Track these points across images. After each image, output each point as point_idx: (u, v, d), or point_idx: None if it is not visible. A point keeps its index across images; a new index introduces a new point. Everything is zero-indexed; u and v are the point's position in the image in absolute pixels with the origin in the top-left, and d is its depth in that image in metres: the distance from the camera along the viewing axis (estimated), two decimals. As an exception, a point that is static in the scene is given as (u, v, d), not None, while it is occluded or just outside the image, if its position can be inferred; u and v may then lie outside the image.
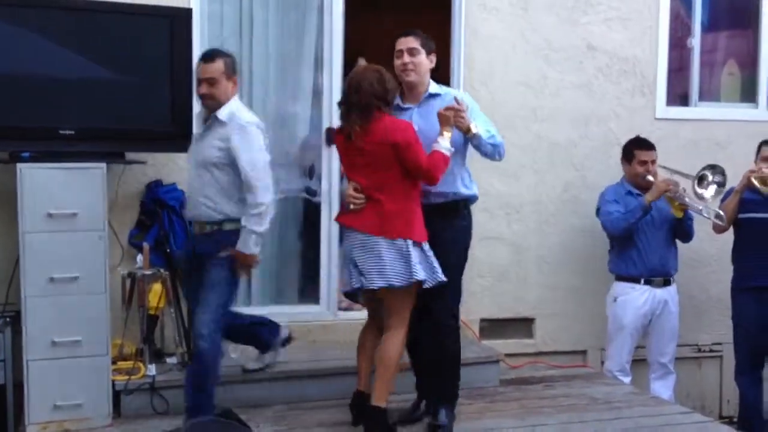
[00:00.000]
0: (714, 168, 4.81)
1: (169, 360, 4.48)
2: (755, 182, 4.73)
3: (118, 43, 4.22)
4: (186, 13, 4.38)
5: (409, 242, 3.73)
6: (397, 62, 3.88)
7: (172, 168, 4.67)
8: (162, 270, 4.41)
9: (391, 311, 3.86)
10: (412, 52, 3.86)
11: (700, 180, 4.80)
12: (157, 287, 4.36)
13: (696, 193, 4.78)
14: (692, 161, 5.46)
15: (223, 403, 4.12)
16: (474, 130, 3.81)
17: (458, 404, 4.34)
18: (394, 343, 3.83)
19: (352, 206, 3.84)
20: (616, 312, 5.01)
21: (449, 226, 3.92)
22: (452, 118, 3.77)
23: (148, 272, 4.38)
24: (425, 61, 3.89)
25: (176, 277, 4.45)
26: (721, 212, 4.79)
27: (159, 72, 4.27)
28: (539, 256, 5.40)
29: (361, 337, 4.09)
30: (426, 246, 3.79)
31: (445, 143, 3.76)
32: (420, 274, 3.71)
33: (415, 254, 3.73)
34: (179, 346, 4.48)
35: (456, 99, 3.86)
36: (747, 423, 4.92)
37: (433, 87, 3.96)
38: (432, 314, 3.90)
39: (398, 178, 3.75)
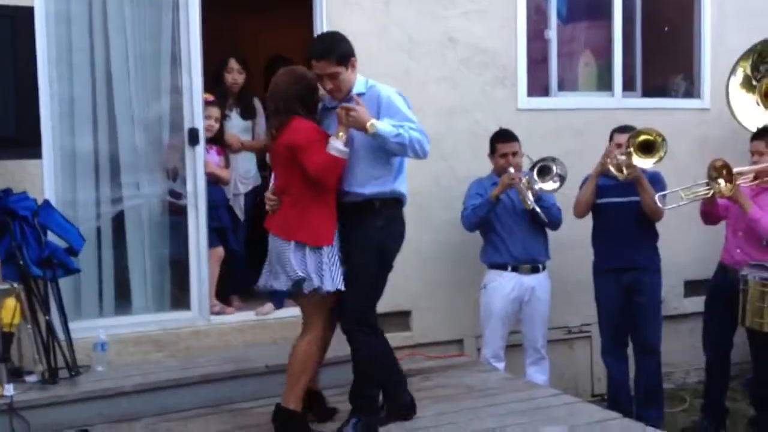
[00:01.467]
0: (554, 160, 4.91)
1: (28, 378, 4.24)
2: (611, 168, 4.89)
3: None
4: (27, 13, 4.16)
5: (296, 245, 3.73)
6: (322, 86, 3.83)
7: (23, 175, 4.42)
8: (15, 284, 4.17)
9: (302, 313, 3.98)
10: (330, 76, 3.78)
11: (543, 171, 4.89)
12: (10, 302, 4.12)
13: (533, 180, 4.85)
14: (554, 149, 5.62)
15: (89, 419, 3.98)
16: (371, 129, 3.67)
17: (338, 402, 4.33)
18: (300, 345, 3.89)
19: (267, 208, 3.91)
20: (486, 299, 5.12)
21: (361, 225, 3.84)
22: (344, 117, 3.69)
23: (0, 287, 4.13)
24: (346, 77, 3.81)
25: (31, 291, 4.22)
26: (542, 216, 4.91)
27: (2, 75, 4.04)
28: (414, 249, 5.42)
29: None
30: (325, 250, 3.75)
31: (336, 144, 3.69)
32: (315, 280, 3.71)
33: (311, 258, 3.72)
34: (39, 363, 4.25)
35: (354, 96, 3.79)
36: (615, 399, 5.11)
37: (359, 85, 3.88)
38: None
39: (300, 180, 3.74)
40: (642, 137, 4.77)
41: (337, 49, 3.78)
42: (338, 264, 3.79)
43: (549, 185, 4.91)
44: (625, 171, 4.84)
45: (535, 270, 5.09)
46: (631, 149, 4.75)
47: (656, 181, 4.96)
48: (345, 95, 3.84)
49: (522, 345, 5.26)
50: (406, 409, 4.15)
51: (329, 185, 3.75)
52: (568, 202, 5.13)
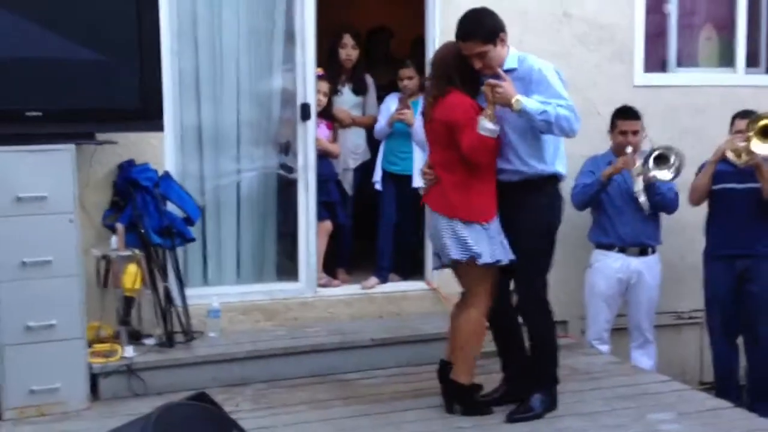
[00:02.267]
0: (676, 153, 4.73)
1: (146, 341, 4.45)
2: (729, 155, 4.71)
3: (85, 21, 4.12)
4: (154, -11, 4.29)
5: (459, 222, 3.73)
6: (473, 65, 3.75)
7: (145, 147, 4.60)
8: (137, 251, 4.36)
9: (464, 288, 3.95)
10: (479, 55, 3.70)
11: (661, 159, 4.72)
12: (132, 268, 4.32)
13: (646, 168, 4.71)
14: (672, 128, 5.48)
15: (202, 383, 4.14)
16: (517, 105, 3.59)
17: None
18: (466, 320, 3.87)
19: (424, 182, 3.95)
20: (591, 279, 5.03)
21: (526, 205, 3.81)
22: (490, 93, 3.63)
23: (122, 253, 4.33)
24: (495, 54, 3.72)
25: (151, 258, 4.42)
26: (645, 206, 4.78)
27: (128, 49, 4.19)
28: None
29: (452, 309, 4.08)
30: (488, 225, 3.74)
31: (484, 122, 3.61)
32: (472, 250, 3.69)
33: (466, 233, 3.71)
34: (157, 327, 4.45)
35: (500, 71, 3.69)
36: (723, 389, 4.94)
37: (511, 60, 3.80)
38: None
39: (458, 156, 3.72)
40: (763, 122, 4.56)
41: (482, 28, 3.70)
42: (497, 237, 3.76)
43: (663, 174, 4.74)
44: (743, 157, 4.64)
45: (643, 252, 4.95)
46: (751, 134, 4.54)
47: None
48: (495, 71, 3.75)
49: (627, 329, 5.14)
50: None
51: (481, 163, 3.71)
52: (684, 185, 4.95)
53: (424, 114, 3.94)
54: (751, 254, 4.79)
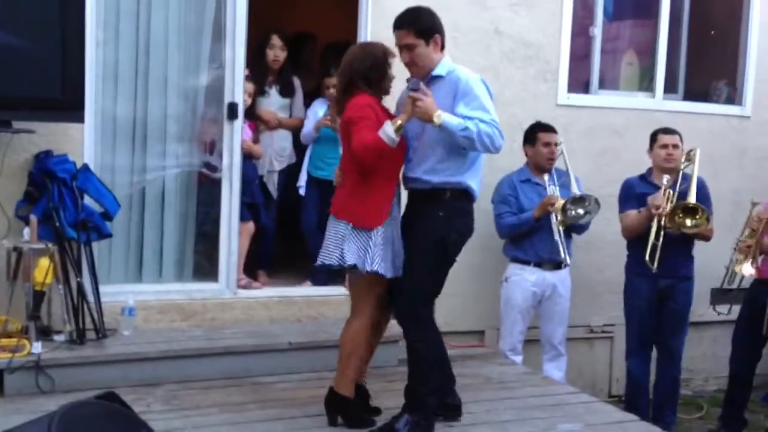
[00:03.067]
0: (596, 202, 4.91)
1: (56, 338, 4.33)
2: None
3: (7, 5, 4.00)
4: (78, -24, 4.19)
5: (349, 226, 3.65)
6: (401, 59, 3.72)
7: (64, 138, 4.49)
8: (50, 244, 4.24)
9: (351, 297, 3.92)
10: (408, 47, 3.66)
11: (580, 199, 4.90)
12: (44, 262, 4.20)
13: (569, 208, 4.88)
14: (592, 147, 5.65)
15: (113, 381, 4.05)
16: (437, 120, 3.52)
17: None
18: (347, 330, 3.82)
19: (334, 182, 3.90)
20: (507, 292, 5.13)
21: (424, 214, 3.72)
22: (410, 106, 3.57)
23: (35, 246, 4.21)
24: (425, 52, 3.66)
25: (65, 252, 4.30)
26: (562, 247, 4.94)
27: (50, 37, 4.08)
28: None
29: None
30: (374, 233, 3.65)
31: (388, 129, 3.53)
32: (350, 259, 3.63)
33: (349, 238, 3.64)
34: (67, 323, 4.33)
35: (422, 85, 3.64)
36: (634, 401, 5.11)
37: (440, 68, 3.71)
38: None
39: (352, 157, 3.67)
40: (680, 208, 4.81)
41: (418, 21, 3.66)
42: (380, 247, 3.65)
43: (578, 212, 4.93)
44: (666, 225, 4.85)
45: (557, 267, 5.08)
46: (678, 219, 4.79)
47: (702, 188, 4.94)
48: (425, 74, 3.71)
49: (539, 340, 5.26)
50: (452, 410, 3.99)
51: (367, 166, 3.61)
52: (602, 203, 5.09)
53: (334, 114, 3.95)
54: (672, 275, 4.96)
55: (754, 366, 5.07)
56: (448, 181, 3.69)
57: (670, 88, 6.13)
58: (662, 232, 4.83)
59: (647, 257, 4.85)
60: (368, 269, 3.65)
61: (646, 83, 6.10)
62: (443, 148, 3.68)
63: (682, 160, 5.06)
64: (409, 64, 3.71)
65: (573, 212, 4.90)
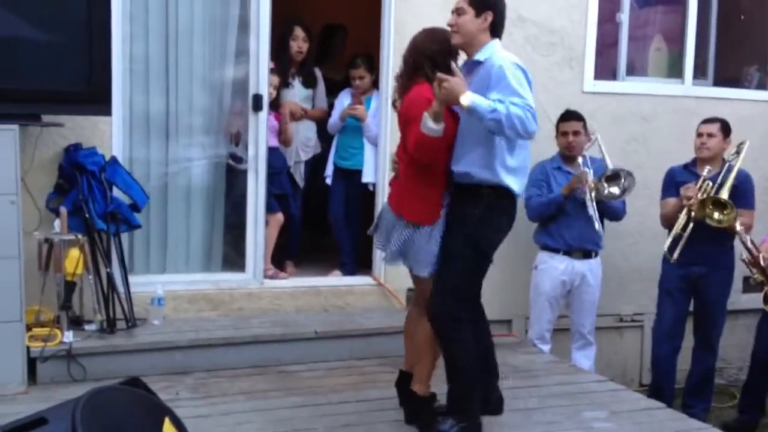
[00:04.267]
0: (630, 175, 4.84)
1: (87, 327, 4.42)
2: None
3: (35, 0, 4.07)
4: (104, -31, 4.25)
5: (403, 220, 3.54)
6: (448, 20, 3.57)
7: (93, 131, 4.56)
8: (80, 235, 4.32)
9: (417, 291, 3.79)
10: (458, 11, 3.49)
11: (613, 176, 4.85)
12: (74, 253, 4.28)
13: (601, 185, 4.83)
14: (619, 134, 5.59)
15: (143, 370, 4.11)
16: (465, 102, 3.29)
17: (379, 372, 4.40)
18: (422, 328, 3.68)
19: (390, 168, 3.83)
20: (536, 280, 5.12)
21: (459, 210, 3.55)
22: (436, 89, 3.34)
23: (65, 237, 4.29)
24: (471, 22, 3.46)
25: (95, 243, 4.38)
26: (597, 222, 4.87)
27: (77, 31, 4.12)
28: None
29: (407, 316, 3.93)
30: (423, 229, 3.53)
31: (425, 120, 3.35)
32: (394, 253, 3.58)
33: (404, 234, 3.54)
34: (98, 313, 4.41)
35: (453, 66, 3.44)
36: (659, 390, 5.05)
37: (482, 52, 3.49)
38: None
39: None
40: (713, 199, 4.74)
41: None
42: (434, 247, 3.54)
43: (614, 191, 4.86)
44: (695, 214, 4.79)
45: (587, 256, 5.05)
46: (707, 211, 4.72)
47: (745, 182, 4.89)
48: (466, 48, 3.54)
49: (569, 329, 5.24)
50: (494, 404, 3.86)
51: (424, 162, 3.47)
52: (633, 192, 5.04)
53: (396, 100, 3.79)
54: (707, 263, 4.92)
55: None
56: (488, 179, 3.47)
57: (699, 74, 6.05)
58: (691, 224, 4.78)
59: (667, 246, 4.82)
60: (422, 272, 3.58)
61: (675, 69, 6.02)
62: (478, 138, 3.47)
63: (732, 151, 4.99)
64: (452, 28, 3.52)
65: (607, 191, 4.83)
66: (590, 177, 4.85)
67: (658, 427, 3.95)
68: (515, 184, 3.52)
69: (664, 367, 5.12)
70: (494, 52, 3.49)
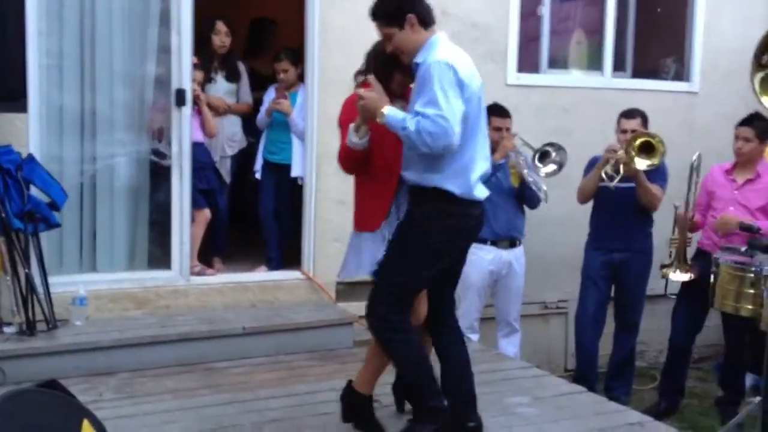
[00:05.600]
0: (557, 147, 4.97)
1: (6, 330, 4.32)
2: (608, 170, 4.93)
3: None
4: (17, -36, 4.15)
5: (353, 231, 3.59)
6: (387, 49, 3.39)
7: (9, 129, 4.44)
8: (-3, 236, 4.22)
9: None
10: (386, 37, 3.32)
11: (543, 155, 4.97)
12: (-9, 254, 4.18)
13: (535, 167, 4.95)
14: (542, 126, 5.69)
15: (65, 372, 4.04)
16: (380, 119, 3.20)
17: (308, 366, 4.41)
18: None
19: None
20: (465, 271, 5.15)
21: (406, 215, 3.45)
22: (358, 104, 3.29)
23: (-19, 238, 4.18)
24: (403, 37, 3.28)
25: (12, 243, 4.27)
26: (544, 190, 4.95)
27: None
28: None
29: None
30: (364, 235, 3.53)
31: (349, 134, 3.37)
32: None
33: (352, 243, 3.59)
34: (17, 314, 4.31)
35: (370, 78, 3.38)
36: (583, 374, 5.19)
37: (422, 52, 3.27)
38: None
39: None
40: (642, 139, 4.85)
41: (383, 6, 3.31)
42: (378, 251, 3.49)
43: (549, 167, 4.98)
44: (622, 169, 4.90)
45: (513, 245, 5.15)
46: (633, 152, 4.82)
47: (658, 170, 5.00)
48: (414, 55, 3.30)
49: (495, 318, 5.33)
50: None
51: (347, 172, 3.53)
52: (554, 181, 5.16)
53: None
54: (627, 248, 5.08)
55: (692, 337, 5.17)
56: (428, 183, 3.32)
57: (618, 66, 6.21)
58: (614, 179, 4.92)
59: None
60: (362, 273, 3.57)
61: (595, 62, 6.16)
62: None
63: None
64: (397, 54, 3.34)
65: (544, 171, 4.94)
66: (521, 159, 4.95)
67: (580, 411, 4.05)
68: (455, 186, 3.32)
69: (587, 352, 5.26)
70: (431, 49, 3.27)
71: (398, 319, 3.43)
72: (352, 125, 3.37)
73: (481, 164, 3.42)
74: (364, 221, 3.56)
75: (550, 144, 4.98)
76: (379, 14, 3.33)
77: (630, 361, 5.31)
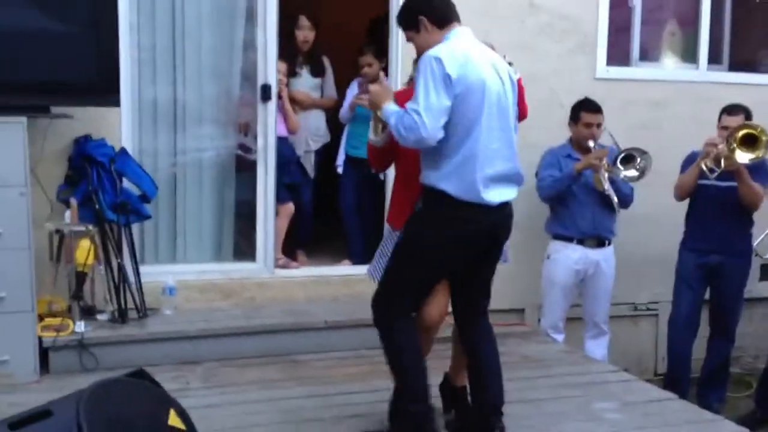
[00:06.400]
0: (642, 152, 4.82)
1: (99, 317, 4.45)
2: (708, 162, 4.72)
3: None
4: (111, -40, 4.26)
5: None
6: None
7: (102, 123, 4.57)
8: (90, 226, 4.34)
9: None
10: (410, 40, 3.35)
11: (628, 159, 4.81)
12: (84, 243, 4.30)
13: (617, 168, 4.80)
14: (631, 121, 5.52)
15: (154, 359, 4.14)
16: (380, 114, 3.26)
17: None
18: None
19: None
20: (549, 269, 5.07)
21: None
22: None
23: (76, 228, 4.31)
24: (422, 40, 3.25)
25: (105, 234, 4.40)
26: (614, 199, 4.80)
27: (84, 22, 4.12)
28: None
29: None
30: (393, 234, 3.52)
31: (369, 130, 3.47)
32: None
33: (384, 240, 3.61)
34: (109, 303, 4.44)
35: (381, 75, 3.54)
36: (675, 379, 5.02)
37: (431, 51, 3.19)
38: None
39: None
40: (745, 131, 4.62)
41: (400, 15, 3.36)
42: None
43: (631, 173, 4.84)
44: (723, 163, 4.69)
45: (601, 244, 5.00)
46: (734, 144, 4.61)
47: (760, 167, 4.78)
48: None
49: (582, 318, 5.20)
50: None
51: (376, 169, 3.68)
52: (645, 179, 4.99)
53: None
54: (725, 250, 4.87)
55: None
56: (428, 182, 3.25)
57: (714, 58, 5.96)
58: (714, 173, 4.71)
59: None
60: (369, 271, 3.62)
61: (689, 54, 5.93)
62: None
63: None
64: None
65: (623, 175, 4.81)
66: (606, 154, 4.80)
67: (669, 419, 3.90)
68: (450, 186, 3.17)
69: (680, 356, 5.08)
70: (438, 46, 3.19)
71: (396, 318, 3.34)
72: (371, 122, 3.42)
73: (494, 164, 3.21)
74: (393, 219, 3.58)
75: (636, 149, 4.83)
76: (399, 21, 3.39)
77: (725, 368, 5.10)
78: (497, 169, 3.23)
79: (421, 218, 3.30)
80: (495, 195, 3.23)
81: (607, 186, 4.79)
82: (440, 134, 3.08)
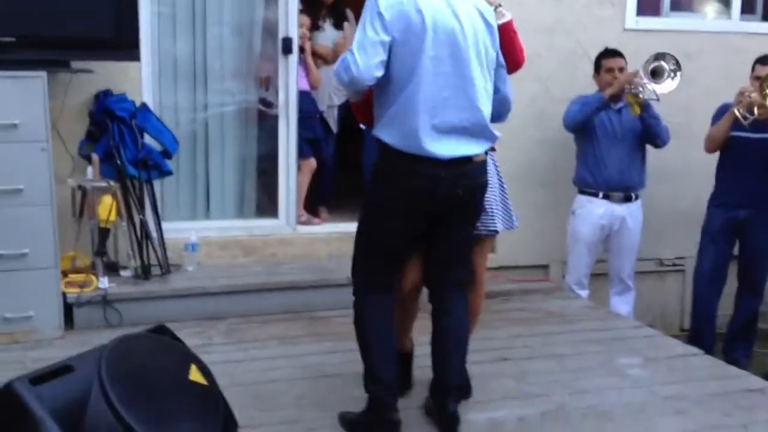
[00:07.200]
0: (672, 57, 4.64)
1: (122, 273, 4.47)
2: (741, 109, 4.60)
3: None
4: None
5: None
6: None
7: (122, 78, 4.53)
8: (112, 182, 4.34)
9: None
10: None
11: (656, 74, 4.64)
12: (107, 200, 4.31)
13: (651, 85, 4.62)
14: (661, 73, 5.36)
15: (177, 315, 4.16)
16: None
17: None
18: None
19: None
20: (574, 225, 5.00)
21: None
22: None
23: (98, 184, 4.31)
24: None
25: (127, 190, 4.40)
26: (650, 123, 4.68)
27: (102, -24, 4.09)
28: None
29: None
30: None
31: None
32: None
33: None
34: (132, 259, 4.45)
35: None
36: (699, 334, 4.96)
37: None
38: None
39: None
40: None
41: None
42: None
43: (667, 84, 4.63)
44: (756, 111, 4.56)
45: (627, 199, 4.92)
46: (766, 90, 4.48)
47: None
48: None
49: (607, 274, 5.14)
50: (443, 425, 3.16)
51: (362, 124, 3.34)
52: (673, 131, 4.89)
53: None
54: (755, 204, 4.79)
55: None
56: (373, 134, 3.05)
57: (747, 8, 5.76)
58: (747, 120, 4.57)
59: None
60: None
61: (721, 3, 5.75)
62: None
63: None
64: None
65: (660, 85, 4.61)
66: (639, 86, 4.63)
67: (694, 374, 3.86)
68: (388, 135, 2.91)
69: (704, 311, 5.02)
70: None
71: (368, 290, 3.12)
72: None
73: (443, 114, 2.89)
74: None
75: (662, 54, 4.63)
76: None
77: (752, 323, 5.03)
78: (447, 119, 2.90)
79: (372, 173, 3.08)
80: (444, 148, 2.91)
81: (645, 98, 4.61)
82: (375, 72, 2.81)
